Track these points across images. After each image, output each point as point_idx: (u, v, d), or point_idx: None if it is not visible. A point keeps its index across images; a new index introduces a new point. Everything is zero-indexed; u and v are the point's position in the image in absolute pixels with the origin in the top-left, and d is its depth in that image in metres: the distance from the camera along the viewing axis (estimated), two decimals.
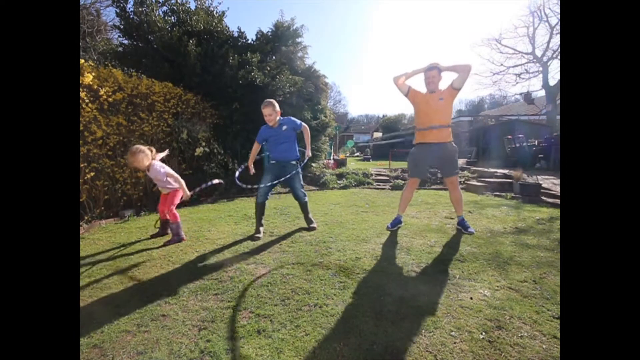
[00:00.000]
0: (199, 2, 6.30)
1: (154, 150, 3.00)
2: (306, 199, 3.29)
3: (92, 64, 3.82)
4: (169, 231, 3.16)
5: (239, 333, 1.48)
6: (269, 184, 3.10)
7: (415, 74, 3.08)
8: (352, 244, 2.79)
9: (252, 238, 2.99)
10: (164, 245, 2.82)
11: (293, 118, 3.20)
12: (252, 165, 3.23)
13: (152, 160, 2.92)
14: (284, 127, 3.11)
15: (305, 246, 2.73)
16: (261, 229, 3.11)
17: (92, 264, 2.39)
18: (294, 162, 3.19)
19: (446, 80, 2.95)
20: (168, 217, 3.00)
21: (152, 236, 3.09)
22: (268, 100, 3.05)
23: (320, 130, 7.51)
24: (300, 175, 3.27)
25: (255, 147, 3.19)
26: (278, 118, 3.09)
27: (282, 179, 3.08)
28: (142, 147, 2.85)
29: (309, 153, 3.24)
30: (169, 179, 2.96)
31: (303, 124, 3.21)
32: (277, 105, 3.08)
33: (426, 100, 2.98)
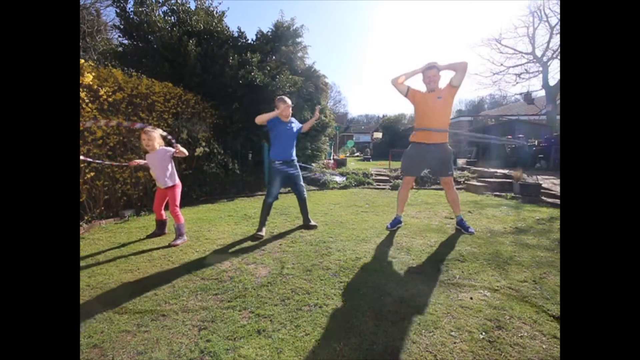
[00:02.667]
0: (199, 2, 6.30)
1: (169, 138, 3.09)
2: (305, 194, 3.40)
3: (92, 64, 3.82)
4: (166, 230, 3.19)
5: (239, 333, 1.48)
6: (279, 186, 3.21)
7: (413, 74, 3.08)
8: (352, 244, 2.79)
9: (253, 237, 2.99)
10: (169, 245, 2.79)
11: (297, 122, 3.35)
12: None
13: (162, 146, 2.98)
14: (293, 125, 3.24)
15: (305, 246, 2.73)
16: (264, 228, 3.12)
17: (92, 264, 2.39)
18: (295, 160, 3.30)
19: (445, 80, 2.96)
20: (173, 218, 2.97)
21: (149, 236, 3.09)
22: (285, 98, 3.14)
23: (320, 130, 7.52)
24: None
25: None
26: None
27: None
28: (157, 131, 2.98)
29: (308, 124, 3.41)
30: (172, 168, 3.01)
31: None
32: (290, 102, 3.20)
33: (425, 100, 2.98)
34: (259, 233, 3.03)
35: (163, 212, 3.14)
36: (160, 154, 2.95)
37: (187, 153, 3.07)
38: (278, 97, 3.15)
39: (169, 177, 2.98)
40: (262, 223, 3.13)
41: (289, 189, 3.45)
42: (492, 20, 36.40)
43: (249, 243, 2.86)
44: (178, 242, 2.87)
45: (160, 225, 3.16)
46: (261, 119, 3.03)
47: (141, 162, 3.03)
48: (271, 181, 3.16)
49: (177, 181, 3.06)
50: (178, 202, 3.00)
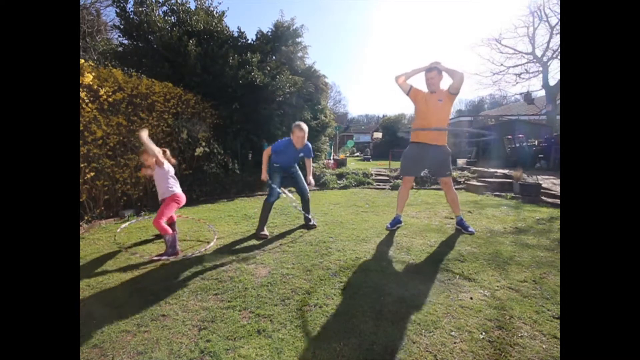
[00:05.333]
0: (199, 2, 6.31)
1: (167, 151, 2.86)
2: (309, 195, 3.40)
3: (92, 64, 3.82)
4: (177, 230, 2.89)
5: (239, 333, 1.48)
6: (279, 185, 3.22)
7: (416, 73, 3.10)
8: (352, 244, 2.79)
9: (258, 237, 3.00)
10: (156, 258, 2.45)
11: (310, 146, 3.34)
12: (266, 173, 3.20)
13: (162, 164, 2.71)
14: (301, 154, 3.29)
15: (305, 246, 2.73)
16: (266, 228, 3.13)
17: (92, 264, 2.39)
18: (295, 166, 3.36)
19: (446, 81, 2.98)
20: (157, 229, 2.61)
21: (157, 236, 3.08)
22: (302, 125, 3.12)
23: (320, 130, 7.52)
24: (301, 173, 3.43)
25: (268, 155, 3.18)
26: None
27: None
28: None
29: (310, 179, 3.38)
30: (168, 179, 2.76)
31: (312, 155, 3.44)
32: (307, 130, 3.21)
33: (425, 100, 3.00)
34: (263, 233, 3.03)
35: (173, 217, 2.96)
36: (158, 171, 2.74)
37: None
38: (296, 123, 3.13)
39: (162, 192, 2.75)
40: (263, 223, 3.11)
41: (293, 186, 3.47)
42: (492, 20, 36.31)
43: (249, 243, 2.86)
44: (164, 256, 2.48)
45: (171, 226, 2.93)
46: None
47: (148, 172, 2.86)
48: (272, 181, 3.18)
49: (172, 192, 2.73)
50: (164, 215, 2.65)
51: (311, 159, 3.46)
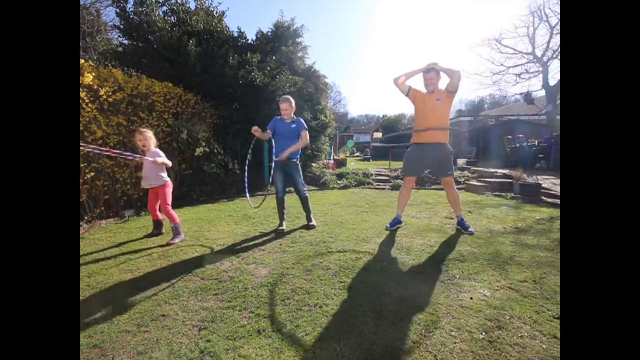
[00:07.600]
0: (199, 2, 6.31)
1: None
2: (306, 194, 3.40)
3: (92, 64, 3.82)
4: (163, 230, 3.21)
5: (239, 333, 1.48)
6: (281, 180, 3.29)
7: (414, 74, 3.12)
8: (352, 244, 2.79)
9: (276, 231, 3.18)
10: (167, 244, 2.82)
11: (303, 120, 3.32)
12: (261, 132, 3.13)
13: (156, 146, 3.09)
14: (294, 125, 3.27)
15: (305, 246, 2.73)
16: (284, 222, 3.30)
17: (92, 264, 2.39)
18: (294, 160, 3.30)
19: (445, 80, 2.99)
20: (167, 217, 3.00)
21: (146, 236, 3.10)
22: (286, 96, 3.27)
23: (320, 130, 7.52)
24: (301, 172, 3.39)
25: (266, 133, 3.23)
26: (292, 114, 3.29)
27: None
28: None
29: (288, 151, 3.18)
30: (163, 168, 3.04)
31: (306, 132, 3.27)
32: (293, 101, 3.28)
33: (424, 100, 3.03)
34: (280, 228, 3.23)
35: (158, 212, 3.14)
36: (154, 155, 2.97)
37: (169, 164, 3.04)
38: (284, 96, 3.27)
39: (157, 177, 2.99)
40: (280, 218, 3.31)
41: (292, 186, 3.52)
42: (492, 20, 36.44)
43: (249, 243, 2.86)
44: (176, 240, 2.89)
45: (157, 225, 3.16)
46: (262, 135, 3.15)
47: (143, 159, 3.01)
48: (273, 178, 3.28)
49: (166, 180, 3.04)
50: (169, 201, 3.00)
51: (306, 131, 3.26)
